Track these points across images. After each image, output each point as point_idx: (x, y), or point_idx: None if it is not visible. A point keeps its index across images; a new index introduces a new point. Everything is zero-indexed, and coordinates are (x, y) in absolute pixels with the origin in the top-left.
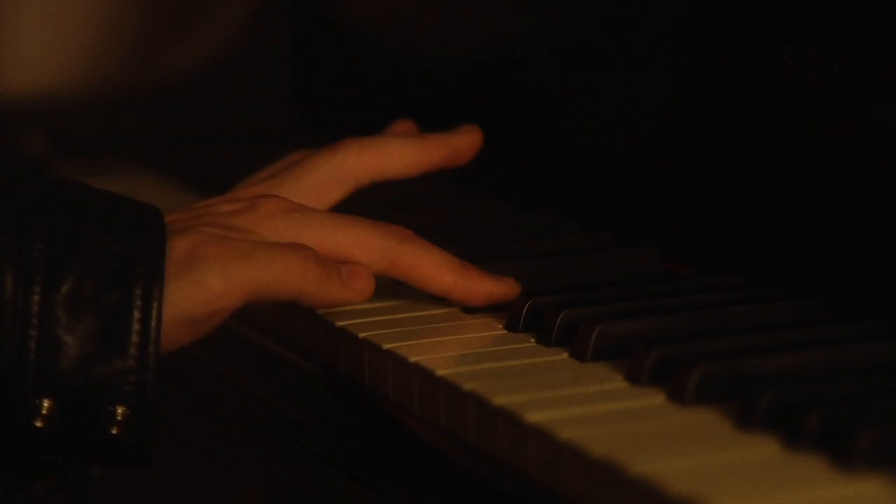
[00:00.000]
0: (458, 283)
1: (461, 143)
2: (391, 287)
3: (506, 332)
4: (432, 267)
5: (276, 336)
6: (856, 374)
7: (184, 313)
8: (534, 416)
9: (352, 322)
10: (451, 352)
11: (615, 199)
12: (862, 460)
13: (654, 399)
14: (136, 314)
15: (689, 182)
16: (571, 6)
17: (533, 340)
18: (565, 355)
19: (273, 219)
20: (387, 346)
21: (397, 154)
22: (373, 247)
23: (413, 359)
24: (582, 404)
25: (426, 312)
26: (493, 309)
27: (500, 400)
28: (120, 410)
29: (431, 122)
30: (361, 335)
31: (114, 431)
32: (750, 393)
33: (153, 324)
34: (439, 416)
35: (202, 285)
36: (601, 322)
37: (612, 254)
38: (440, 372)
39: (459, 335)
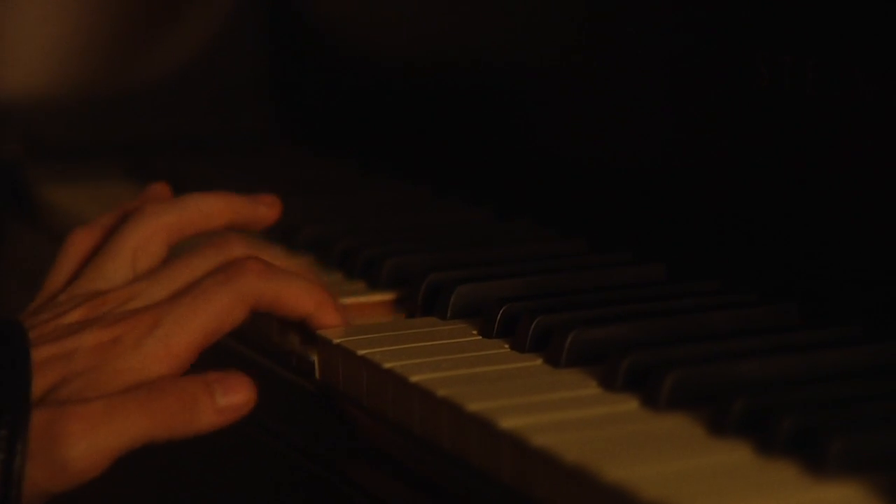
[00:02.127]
0: (314, 312)
1: (261, 209)
2: (366, 292)
3: (480, 338)
4: (292, 298)
5: (249, 341)
6: (829, 380)
7: (44, 492)
8: (507, 423)
9: (328, 329)
10: (424, 358)
11: (591, 205)
12: (834, 466)
13: (628, 405)
14: None
15: (663, 187)
16: (549, 12)
17: (507, 346)
18: (539, 361)
19: (140, 346)
20: (361, 353)
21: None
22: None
23: (387, 365)
24: (555, 410)
25: (400, 318)
26: (467, 315)
27: (473, 406)
28: None
29: (409, 130)
30: (336, 341)
31: None
32: (723, 399)
33: (13, 491)
34: (413, 422)
35: (67, 466)
36: (575, 328)
37: (586, 259)
38: (414, 378)
39: (433, 341)
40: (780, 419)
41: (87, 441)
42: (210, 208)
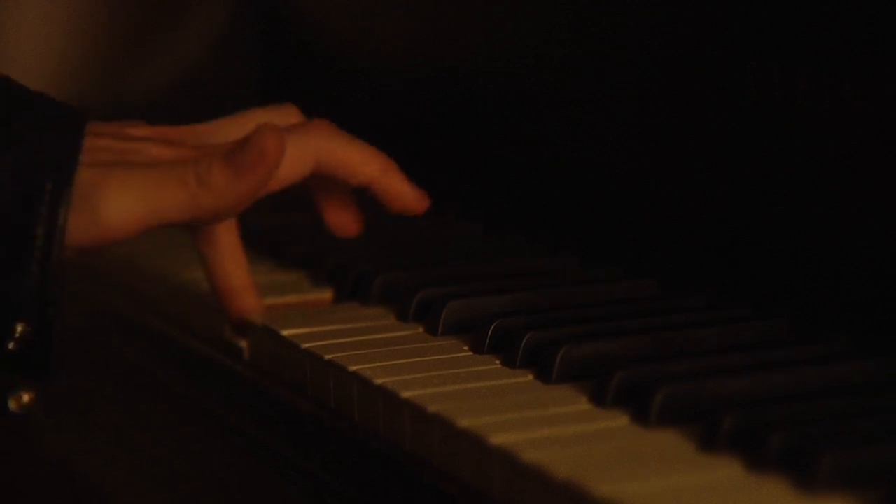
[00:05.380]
0: (381, 177)
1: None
2: (357, 309)
3: (471, 353)
4: (357, 158)
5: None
6: (819, 396)
7: (75, 242)
8: (498, 438)
9: (318, 344)
10: (415, 374)
11: (582, 220)
12: (824, 482)
13: (618, 421)
14: (40, 231)
15: (654, 203)
16: (538, 26)
17: (498, 362)
18: (530, 377)
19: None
20: (352, 368)
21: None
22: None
23: (378, 381)
24: (546, 426)
25: (392, 334)
26: (458, 331)
27: (464, 422)
28: (18, 327)
29: (399, 143)
30: (327, 357)
31: (10, 346)
32: (713, 415)
33: (57, 242)
34: (404, 438)
35: (99, 219)
36: (566, 344)
37: (577, 275)
38: (405, 394)
39: (424, 357)
40: (770, 435)
41: (121, 199)
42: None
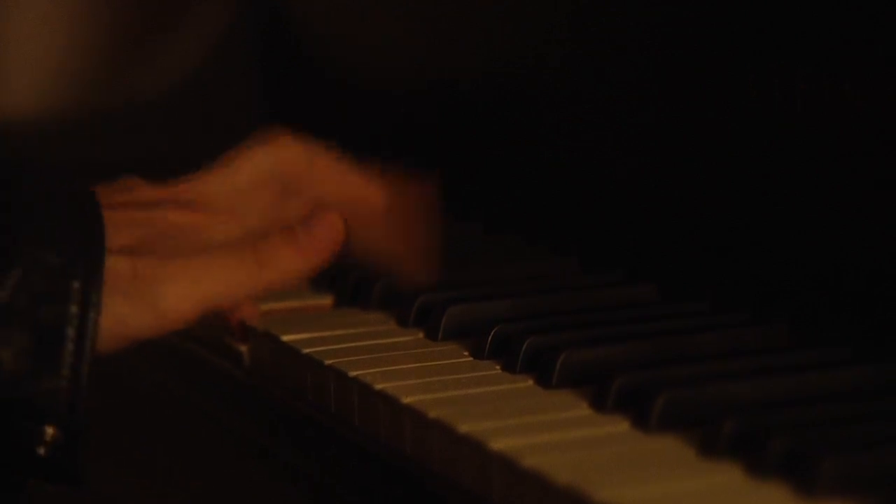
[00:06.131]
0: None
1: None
2: (358, 314)
3: (471, 359)
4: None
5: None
6: (819, 401)
7: (133, 332)
8: (498, 444)
9: (318, 349)
10: (416, 379)
11: (582, 225)
12: (825, 487)
13: (619, 426)
14: (71, 332)
15: (655, 208)
16: (539, 29)
17: (498, 367)
18: (531, 382)
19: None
20: (353, 374)
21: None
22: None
23: (378, 386)
24: (546, 431)
25: (392, 340)
26: (459, 336)
27: (464, 427)
28: (49, 431)
29: (399, 147)
30: (328, 362)
31: (41, 451)
32: (713, 420)
33: (87, 342)
34: (404, 443)
35: (159, 310)
36: (566, 349)
37: (578, 280)
38: (405, 399)
39: (425, 362)
40: (771, 440)
41: (179, 289)
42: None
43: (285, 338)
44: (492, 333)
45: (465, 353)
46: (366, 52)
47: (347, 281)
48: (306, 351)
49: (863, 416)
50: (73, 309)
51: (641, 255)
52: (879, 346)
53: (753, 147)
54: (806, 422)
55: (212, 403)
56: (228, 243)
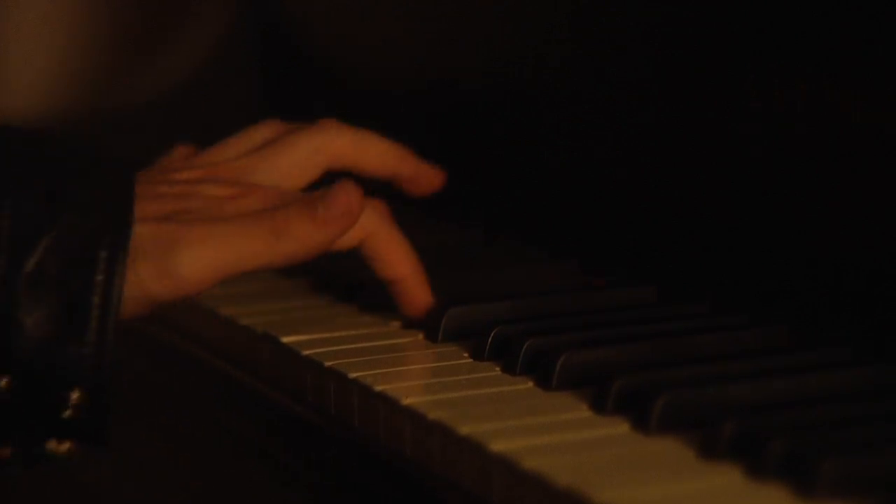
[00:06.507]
0: (409, 278)
1: (427, 172)
2: (357, 315)
3: (471, 360)
4: (397, 254)
5: (241, 364)
6: (819, 403)
7: (152, 296)
8: (498, 445)
9: (318, 351)
10: (416, 381)
11: (582, 227)
12: (824, 488)
13: (619, 428)
14: (96, 300)
15: (655, 210)
16: (537, 31)
17: (498, 369)
18: (531, 384)
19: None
20: (353, 375)
21: (374, 149)
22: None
23: (378, 388)
24: (546, 433)
25: (392, 341)
26: (459, 338)
27: (464, 429)
28: (74, 395)
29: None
30: (327, 364)
31: (66, 414)
32: (713, 422)
33: (112, 311)
34: (404, 444)
35: (175, 274)
36: (566, 351)
37: (577, 282)
38: (405, 401)
39: (425, 364)
40: (770, 442)
41: (197, 253)
42: (385, 152)
43: (285, 339)
44: (492, 335)
45: (465, 355)
46: (366, 52)
47: (348, 282)
48: (306, 352)
49: (863, 418)
50: (99, 277)
51: (641, 256)
52: (879, 347)
53: (753, 148)
54: (806, 423)
55: (210, 404)
56: (249, 213)
